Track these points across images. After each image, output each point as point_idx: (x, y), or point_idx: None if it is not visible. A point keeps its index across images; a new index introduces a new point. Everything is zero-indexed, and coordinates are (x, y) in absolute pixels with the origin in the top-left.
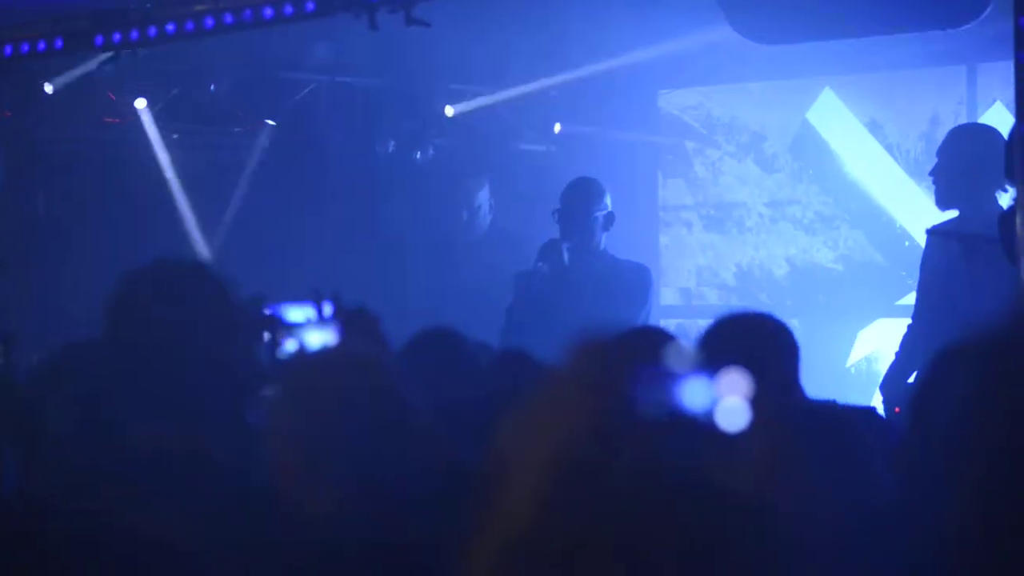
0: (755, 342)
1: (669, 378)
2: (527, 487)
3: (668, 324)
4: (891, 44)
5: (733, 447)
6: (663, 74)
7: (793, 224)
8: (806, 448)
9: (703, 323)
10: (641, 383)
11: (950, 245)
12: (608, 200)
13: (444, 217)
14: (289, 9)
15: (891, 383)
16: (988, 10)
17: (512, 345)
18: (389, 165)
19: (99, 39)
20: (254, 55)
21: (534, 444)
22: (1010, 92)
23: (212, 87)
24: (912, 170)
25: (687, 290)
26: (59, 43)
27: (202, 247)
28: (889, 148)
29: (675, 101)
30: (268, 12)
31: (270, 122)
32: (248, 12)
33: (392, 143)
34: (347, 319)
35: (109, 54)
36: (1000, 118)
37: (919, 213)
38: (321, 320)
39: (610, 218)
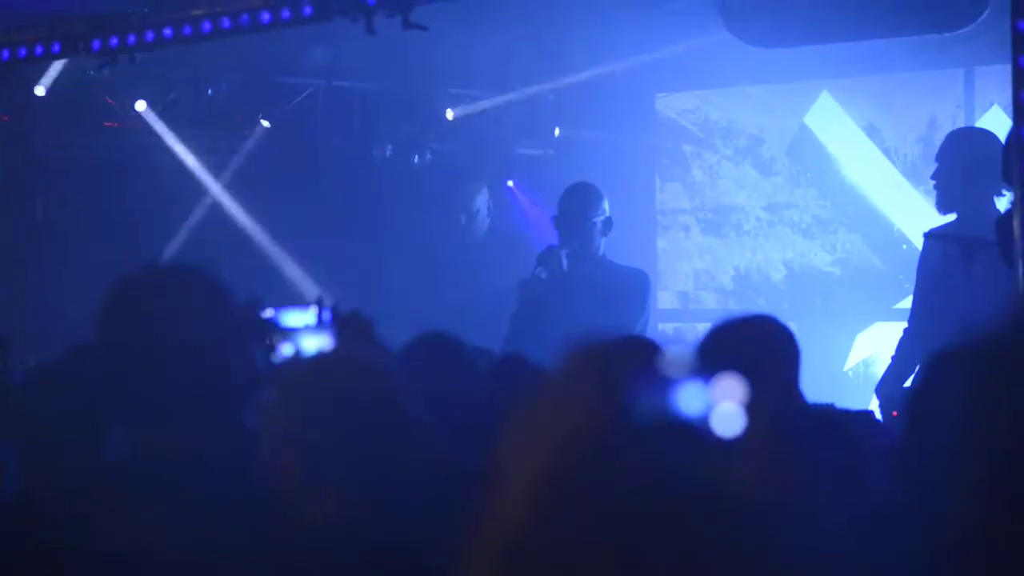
0: (754, 346)
1: (665, 383)
2: (525, 491)
3: (666, 328)
4: (888, 48)
5: (729, 452)
6: (661, 78)
7: (791, 228)
8: (803, 452)
9: (701, 327)
10: (637, 388)
11: (948, 248)
12: (606, 205)
13: (442, 221)
14: (286, 13)
15: (888, 386)
16: (985, 14)
17: (512, 351)
18: (386, 169)
19: (96, 44)
20: (251, 59)
21: (531, 449)
22: (1007, 95)
23: (209, 91)
24: (909, 174)
25: (685, 294)
26: (56, 47)
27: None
28: (887, 152)
29: (672, 105)
30: (265, 16)
31: (264, 122)
32: (245, 17)
33: (389, 147)
34: (342, 323)
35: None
36: (997, 122)
37: (917, 217)
38: (316, 324)
39: (608, 223)
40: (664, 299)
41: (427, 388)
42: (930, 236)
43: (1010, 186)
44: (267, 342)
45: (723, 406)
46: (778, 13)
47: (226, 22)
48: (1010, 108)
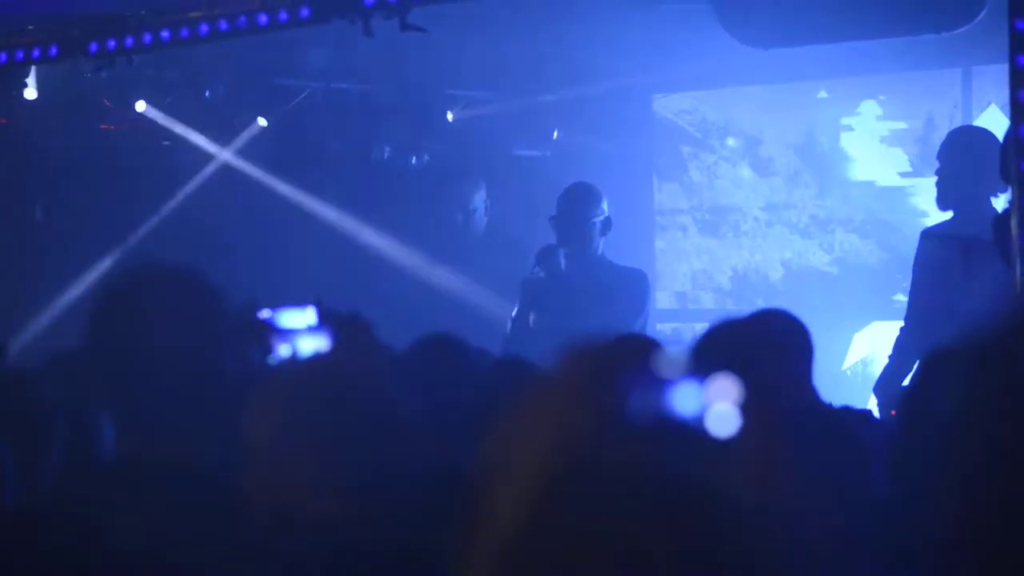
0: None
1: (660, 384)
2: (519, 492)
3: (664, 328)
4: (885, 48)
5: (724, 452)
6: (658, 78)
7: (788, 228)
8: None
9: (699, 327)
10: (632, 389)
11: (945, 247)
12: (605, 205)
13: (439, 220)
14: (284, 15)
15: (886, 385)
16: (983, 13)
17: (512, 352)
18: (385, 171)
19: (94, 46)
20: (249, 61)
21: (526, 449)
22: (1005, 95)
23: (207, 93)
24: (907, 173)
25: (683, 294)
26: (54, 50)
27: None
28: (884, 151)
29: (670, 105)
30: (263, 19)
31: (262, 121)
32: (243, 19)
33: (388, 149)
34: (340, 324)
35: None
36: (995, 121)
37: (914, 216)
38: (314, 326)
39: (608, 223)
40: (662, 299)
41: (430, 389)
42: (927, 235)
43: (1008, 185)
44: (264, 343)
45: (718, 406)
46: (774, 14)
47: (224, 24)
48: (1007, 107)
